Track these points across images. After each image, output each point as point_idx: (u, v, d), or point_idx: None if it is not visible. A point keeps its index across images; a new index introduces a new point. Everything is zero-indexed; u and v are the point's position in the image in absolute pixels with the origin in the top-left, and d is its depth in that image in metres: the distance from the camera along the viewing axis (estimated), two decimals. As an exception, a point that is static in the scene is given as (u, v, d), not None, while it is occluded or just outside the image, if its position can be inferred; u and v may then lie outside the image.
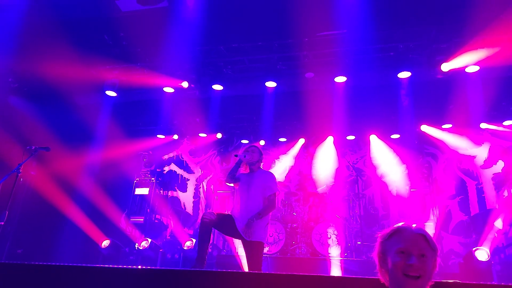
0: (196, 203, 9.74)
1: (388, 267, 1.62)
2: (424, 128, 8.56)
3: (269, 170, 4.09)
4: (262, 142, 9.57)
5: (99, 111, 7.84)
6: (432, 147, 8.90)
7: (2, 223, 3.93)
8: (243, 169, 4.22)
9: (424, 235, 1.60)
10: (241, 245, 4.01)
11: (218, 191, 9.07)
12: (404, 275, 1.54)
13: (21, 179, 4.30)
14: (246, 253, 3.89)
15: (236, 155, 4.16)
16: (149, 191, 8.95)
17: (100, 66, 6.97)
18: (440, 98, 7.46)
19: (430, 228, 7.62)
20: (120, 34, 6.36)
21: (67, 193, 7.48)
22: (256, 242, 3.83)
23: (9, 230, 6.88)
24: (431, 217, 8.01)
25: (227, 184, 4.26)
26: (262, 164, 4.28)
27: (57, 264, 2.84)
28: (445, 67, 6.22)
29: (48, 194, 7.19)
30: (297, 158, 9.50)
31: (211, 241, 6.92)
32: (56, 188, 7.30)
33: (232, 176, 4.11)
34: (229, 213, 4.10)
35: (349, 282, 2.45)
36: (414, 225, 1.65)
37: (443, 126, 8.41)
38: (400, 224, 1.69)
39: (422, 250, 1.56)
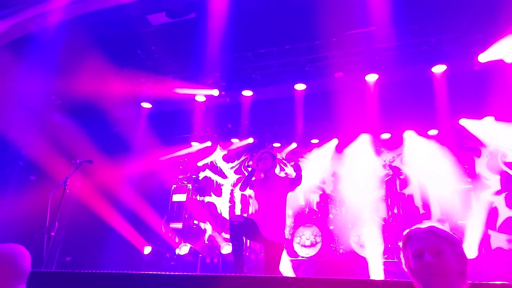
0: (231, 208, 9.86)
1: (415, 274, 1.57)
2: (463, 122, 8.19)
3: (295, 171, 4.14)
4: (294, 145, 9.54)
5: (136, 123, 8.17)
6: (472, 141, 8.47)
7: (53, 233, 4.18)
8: (258, 176, 4.31)
9: (434, 231, 1.56)
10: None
11: (252, 195, 9.13)
12: (427, 276, 1.50)
13: (68, 191, 4.56)
14: (268, 254, 3.96)
15: (248, 166, 4.25)
16: (186, 197, 9.17)
17: (134, 79, 7.27)
18: (479, 90, 7.13)
19: (474, 226, 7.27)
20: (152, 47, 6.62)
21: (110, 203, 7.84)
22: (277, 243, 3.92)
23: (58, 240, 7.30)
24: (475, 214, 7.64)
25: (241, 192, 4.34)
26: (276, 168, 4.36)
27: (103, 272, 3.00)
28: (482, 58, 5.96)
29: (93, 204, 7.58)
30: (331, 159, 9.37)
31: (248, 245, 7.00)
32: (99, 198, 7.67)
33: (246, 184, 4.17)
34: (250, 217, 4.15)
35: (390, 285, 2.41)
36: (423, 225, 1.61)
37: (484, 119, 8.02)
38: (411, 228, 1.65)
39: (435, 246, 1.52)
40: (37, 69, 6.08)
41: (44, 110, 7.41)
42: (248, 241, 7.03)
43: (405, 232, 1.65)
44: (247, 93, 7.43)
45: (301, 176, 4.11)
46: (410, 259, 1.58)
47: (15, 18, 5.74)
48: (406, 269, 1.64)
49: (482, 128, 8.07)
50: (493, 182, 8.05)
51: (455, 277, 1.49)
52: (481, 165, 8.37)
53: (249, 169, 4.28)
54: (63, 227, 7.46)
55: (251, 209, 4.30)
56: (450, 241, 1.54)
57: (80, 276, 2.94)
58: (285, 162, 9.62)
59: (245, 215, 8.29)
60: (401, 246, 1.67)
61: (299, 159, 9.33)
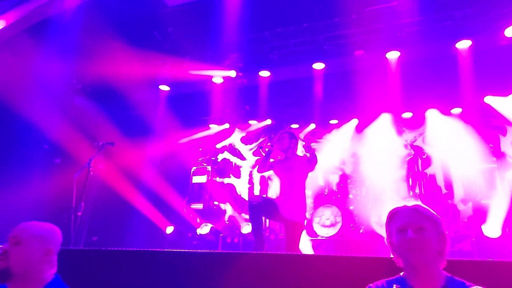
0: (250, 189, 9.94)
1: (396, 250, 1.64)
2: (489, 99, 7.89)
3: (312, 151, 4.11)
4: (312, 126, 9.45)
5: (155, 105, 8.25)
6: (498, 120, 8.18)
7: (79, 213, 4.33)
8: (277, 157, 4.30)
9: (418, 209, 1.63)
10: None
11: (270, 176, 9.17)
12: (407, 251, 1.56)
13: (91, 173, 4.68)
14: (288, 234, 3.98)
15: (260, 147, 4.26)
16: (206, 179, 9.28)
17: (152, 61, 7.30)
18: (505, 66, 6.85)
19: (499, 205, 7.10)
20: (169, 29, 6.60)
21: (133, 184, 8.03)
22: (298, 222, 3.93)
23: (85, 220, 7.55)
24: (500, 193, 7.45)
25: (259, 173, 4.34)
26: (296, 148, 4.31)
27: (129, 249, 3.09)
28: (509, 32, 5.68)
29: (116, 185, 7.78)
30: (351, 139, 9.25)
31: (267, 225, 7.07)
32: (122, 180, 7.86)
33: (264, 165, 4.19)
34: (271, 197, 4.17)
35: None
36: (409, 204, 1.69)
37: (510, 96, 7.71)
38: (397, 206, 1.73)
39: (418, 223, 1.58)
40: (57, 53, 6.17)
41: (66, 93, 7.56)
42: (267, 221, 7.10)
43: (391, 210, 1.72)
44: (265, 73, 7.36)
45: (315, 155, 4.10)
46: (393, 234, 1.65)
47: (34, 3, 5.80)
48: (387, 244, 1.72)
49: (509, 105, 7.78)
50: (520, 160, 7.80)
51: (434, 254, 1.56)
52: (506, 144, 8.10)
53: (267, 150, 4.27)
54: (89, 207, 7.70)
55: (270, 190, 4.33)
56: (433, 220, 1.61)
57: (107, 253, 3.04)
58: (304, 142, 9.55)
59: (264, 196, 8.34)
60: (386, 222, 1.73)
61: (311, 141, 9.29)
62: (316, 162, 4.12)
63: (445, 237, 1.61)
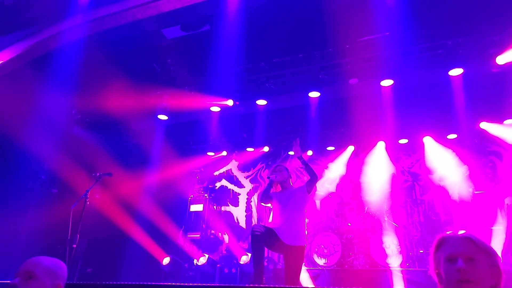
0: (248, 217, 9.86)
1: (443, 281, 1.51)
2: (484, 125, 8.00)
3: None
4: (309, 152, 9.51)
5: (153, 135, 8.32)
6: (494, 145, 8.27)
7: (75, 245, 4.27)
8: (274, 189, 4.38)
9: (471, 238, 1.50)
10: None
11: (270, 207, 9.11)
12: (458, 283, 1.43)
13: (88, 203, 4.66)
14: (289, 260, 3.96)
15: (268, 177, 4.33)
16: (203, 207, 9.21)
17: (151, 92, 7.43)
18: (499, 92, 6.99)
19: (499, 232, 7.04)
20: (168, 60, 6.75)
21: (129, 214, 7.96)
22: (298, 246, 3.96)
23: (80, 251, 7.43)
24: (500, 220, 7.40)
25: (262, 204, 4.42)
26: (291, 180, 4.46)
27: (123, 283, 3.04)
28: (501, 59, 5.83)
29: (112, 216, 7.71)
30: (348, 166, 9.28)
31: (265, 254, 6.97)
32: (119, 210, 7.80)
33: (266, 196, 4.27)
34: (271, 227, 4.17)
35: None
36: (461, 232, 1.56)
37: (505, 122, 7.82)
38: (446, 232, 1.61)
39: (469, 253, 1.46)
40: (58, 85, 6.27)
41: (65, 124, 7.63)
42: (268, 251, 7.00)
43: (439, 236, 1.59)
44: (261, 102, 7.47)
45: (314, 172, 4.21)
46: (441, 264, 1.52)
47: (36, 37, 5.96)
48: (434, 275, 1.58)
49: (504, 131, 7.88)
50: (518, 186, 7.81)
51: (482, 286, 1.42)
52: (504, 169, 8.14)
53: (268, 178, 4.35)
54: (84, 238, 7.59)
55: (270, 219, 4.34)
56: (487, 251, 1.48)
57: (101, 288, 2.99)
58: (301, 169, 9.57)
59: (264, 225, 8.27)
60: (433, 250, 1.61)
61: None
62: (317, 177, 4.23)
63: (499, 271, 1.47)
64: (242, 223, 9.78)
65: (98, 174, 4.88)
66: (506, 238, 6.89)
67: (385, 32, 6.01)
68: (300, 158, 4.37)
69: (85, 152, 7.68)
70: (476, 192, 7.76)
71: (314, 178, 4.19)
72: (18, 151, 6.53)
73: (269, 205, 4.39)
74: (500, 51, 5.84)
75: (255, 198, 9.97)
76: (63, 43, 5.98)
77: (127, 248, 7.87)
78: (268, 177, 4.35)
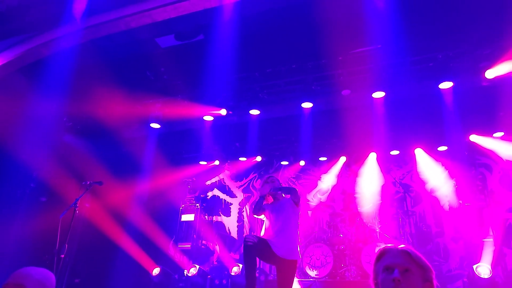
0: (240, 227, 9.78)
1: None
2: (474, 138, 8.10)
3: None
4: (302, 163, 9.52)
5: (145, 143, 8.25)
6: (484, 157, 8.36)
7: (63, 256, 4.18)
8: (266, 201, 4.40)
9: (408, 251, 1.59)
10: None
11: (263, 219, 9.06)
12: None
13: (77, 212, 4.58)
14: (282, 273, 3.96)
15: (259, 190, 4.37)
16: (194, 217, 9.13)
17: (144, 100, 7.39)
18: (488, 105, 7.08)
19: (489, 244, 7.09)
20: (161, 69, 6.74)
21: (119, 223, 7.85)
22: (291, 261, 3.97)
23: (68, 261, 7.28)
24: (490, 232, 7.46)
25: (255, 216, 4.42)
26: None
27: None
28: (490, 73, 5.93)
29: (102, 225, 7.59)
30: (340, 177, 9.30)
31: (257, 265, 6.91)
32: (109, 219, 7.68)
33: (259, 208, 4.29)
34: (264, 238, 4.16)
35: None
36: (400, 246, 1.66)
37: (495, 135, 7.93)
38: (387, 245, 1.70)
39: (405, 264, 1.54)
40: (49, 92, 6.22)
41: (55, 132, 7.53)
42: (259, 261, 6.94)
43: (381, 248, 1.69)
44: (255, 112, 7.48)
45: (290, 188, 4.36)
46: (380, 273, 1.60)
47: (29, 44, 5.92)
48: (372, 285, 1.66)
49: (494, 143, 7.98)
50: (507, 198, 7.89)
51: None
52: (494, 182, 8.22)
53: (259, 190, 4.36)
54: (73, 248, 7.45)
55: (262, 232, 4.33)
56: (422, 266, 1.56)
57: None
58: (293, 179, 9.58)
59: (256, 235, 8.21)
60: (373, 261, 1.69)
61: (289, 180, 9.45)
62: (296, 192, 4.29)
63: (432, 285, 1.55)
64: (234, 234, 9.70)
65: (88, 183, 4.80)
66: (495, 251, 6.94)
67: (377, 44, 6.09)
68: (274, 189, 4.37)
69: (76, 160, 7.59)
70: (466, 204, 7.83)
71: (293, 192, 4.26)
72: (7, 158, 6.43)
73: (261, 217, 4.38)
74: (490, 65, 5.93)
75: (247, 208, 9.91)
76: (56, 50, 5.94)
77: (116, 258, 7.74)
78: (260, 189, 4.36)
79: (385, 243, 6.63)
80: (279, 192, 4.40)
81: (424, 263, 1.58)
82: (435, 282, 1.57)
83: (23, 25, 5.81)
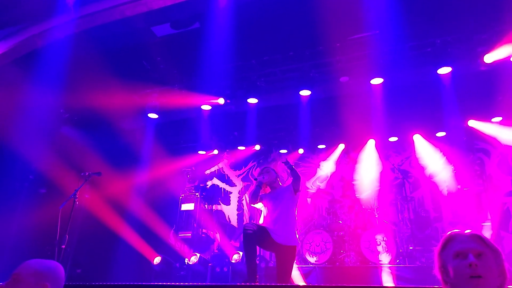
0: (240, 215, 9.84)
1: (451, 279, 1.47)
2: (472, 123, 8.10)
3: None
4: (301, 151, 9.52)
5: (143, 134, 8.23)
6: (482, 142, 8.38)
7: (63, 246, 4.21)
8: (263, 190, 4.41)
9: (479, 235, 1.50)
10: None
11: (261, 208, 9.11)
12: (467, 279, 1.40)
13: (77, 203, 4.59)
14: (281, 260, 4.03)
15: (255, 179, 4.38)
16: (194, 206, 9.16)
17: (141, 90, 7.35)
18: (487, 90, 7.07)
19: (487, 228, 7.16)
20: (157, 58, 6.68)
21: (119, 214, 7.87)
22: (290, 246, 4.04)
23: (69, 252, 7.33)
24: (488, 216, 7.52)
25: (252, 205, 4.44)
26: (280, 180, 4.55)
27: (113, 284, 3.00)
28: (488, 58, 5.90)
29: (102, 216, 7.61)
30: (339, 164, 9.33)
31: (257, 252, 6.97)
32: (109, 210, 7.71)
33: (256, 197, 4.30)
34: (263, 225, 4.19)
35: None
36: (467, 231, 1.55)
37: (493, 120, 7.93)
38: (453, 231, 1.59)
39: (478, 248, 1.45)
40: (45, 83, 6.17)
41: (53, 123, 7.50)
42: (259, 249, 7.00)
43: (446, 235, 1.58)
44: (252, 100, 7.45)
45: (297, 175, 4.28)
46: (450, 260, 1.48)
47: (23, 34, 5.84)
48: (438, 274, 1.55)
49: (492, 128, 7.99)
50: (505, 183, 7.94)
51: (492, 283, 1.41)
52: (492, 166, 8.26)
53: (255, 180, 4.37)
54: (73, 239, 7.49)
55: (261, 220, 4.37)
56: (494, 249, 1.48)
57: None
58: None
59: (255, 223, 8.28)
60: (439, 248, 1.58)
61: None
62: (300, 178, 4.29)
63: (505, 271, 1.45)
64: (234, 222, 9.76)
65: (87, 174, 4.80)
66: (492, 235, 7.01)
67: (375, 30, 6.03)
68: (286, 163, 4.37)
69: (74, 151, 7.57)
70: (464, 188, 7.87)
71: (297, 179, 4.26)
72: (5, 150, 6.41)
73: (258, 205, 4.41)
74: (488, 49, 5.91)
75: (246, 197, 9.96)
76: (50, 40, 5.87)
77: (117, 248, 7.79)
78: (255, 179, 4.37)
79: (384, 229, 6.70)
80: (276, 180, 4.43)
81: (495, 247, 1.49)
82: (506, 265, 1.49)
83: (16, 15, 5.72)
